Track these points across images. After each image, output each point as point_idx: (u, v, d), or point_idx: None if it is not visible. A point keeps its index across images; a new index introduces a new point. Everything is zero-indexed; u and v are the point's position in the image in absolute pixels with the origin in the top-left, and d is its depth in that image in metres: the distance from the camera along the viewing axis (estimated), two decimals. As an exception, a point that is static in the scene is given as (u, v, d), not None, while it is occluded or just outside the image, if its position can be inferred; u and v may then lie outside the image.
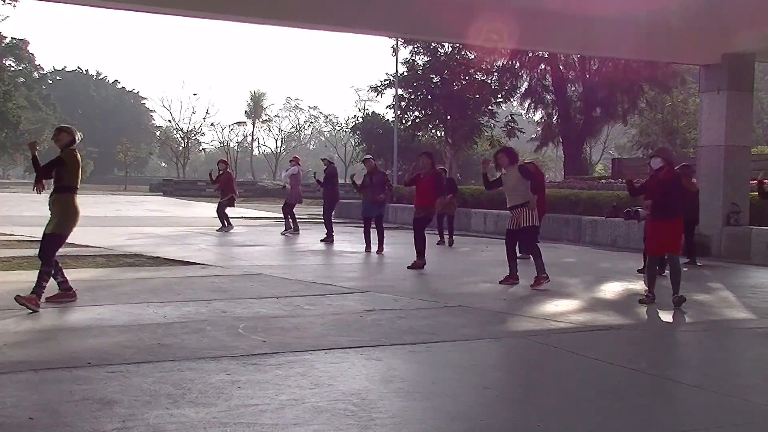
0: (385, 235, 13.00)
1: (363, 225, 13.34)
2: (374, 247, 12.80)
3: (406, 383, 4.73)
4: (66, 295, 6.86)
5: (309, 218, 19.43)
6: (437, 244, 14.43)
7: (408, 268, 10.42)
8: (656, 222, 8.01)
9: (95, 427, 3.67)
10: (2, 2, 52.04)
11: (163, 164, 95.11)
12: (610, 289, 9.30)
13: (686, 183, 13.93)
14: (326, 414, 3.98)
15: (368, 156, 14.31)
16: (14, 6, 57.32)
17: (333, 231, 14.88)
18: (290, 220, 16.50)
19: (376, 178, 13.07)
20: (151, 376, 4.59)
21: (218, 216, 17.09)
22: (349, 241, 14.48)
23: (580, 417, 4.20)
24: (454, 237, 15.04)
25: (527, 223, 9.01)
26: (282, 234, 16.32)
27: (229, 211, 17.49)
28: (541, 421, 4.10)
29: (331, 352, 5.38)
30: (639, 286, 9.65)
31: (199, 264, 10.45)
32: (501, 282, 9.16)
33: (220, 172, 17.51)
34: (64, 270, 6.99)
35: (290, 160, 17.37)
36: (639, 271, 10.63)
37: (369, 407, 4.12)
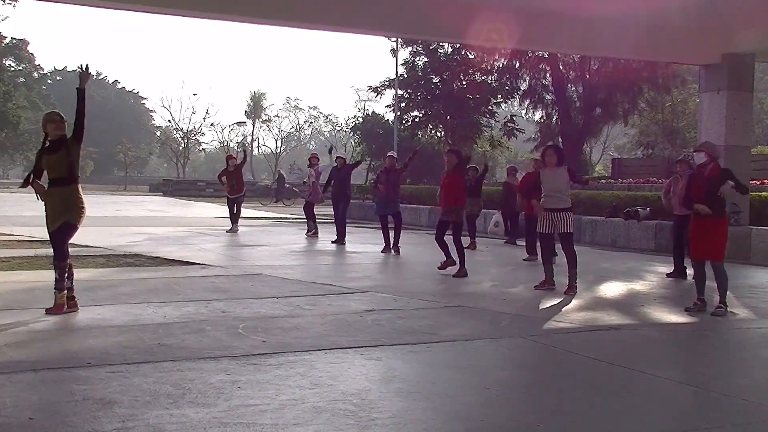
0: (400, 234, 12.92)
1: (380, 224, 13.30)
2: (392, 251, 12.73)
3: (406, 383, 4.73)
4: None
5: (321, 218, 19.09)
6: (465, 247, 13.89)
7: (454, 276, 9.73)
8: (701, 221, 7.50)
9: (95, 427, 3.67)
10: (2, 2, 52.06)
11: (165, 165, 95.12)
12: (610, 289, 9.29)
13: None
14: (326, 414, 3.98)
15: (391, 153, 13.95)
16: (14, 6, 57.37)
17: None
18: (312, 221, 15.88)
19: (393, 176, 12.97)
20: (151, 376, 4.59)
21: (233, 215, 16.65)
22: (350, 242, 14.46)
23: (580, 417, 4.20)
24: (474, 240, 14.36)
25: (567, 229, 8.61)
26: (306, 236, 15.70)
27: (225, 211, 17.22)
28: (541, 421, 4.10)
29: (331, 352, 5.38)
30: (639, 285, 9.67)
31: (199, 264, 10.45)
32: (536, 287, 8.79)
33: (231, 169, 16.72)
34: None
35: (309, 158, 16.46)
36: (668, 275, 10.41)
37: (369, 407, 4.12)
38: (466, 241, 12.10)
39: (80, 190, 6.62)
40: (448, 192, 10.03)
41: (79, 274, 7.30)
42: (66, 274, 6.52)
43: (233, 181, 16.72)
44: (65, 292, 6.53)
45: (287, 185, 39.75)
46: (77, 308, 6.60)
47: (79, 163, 6.61)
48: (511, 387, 4.86)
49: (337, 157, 15.34)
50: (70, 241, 6.65)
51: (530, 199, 10.25)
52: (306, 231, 16.13)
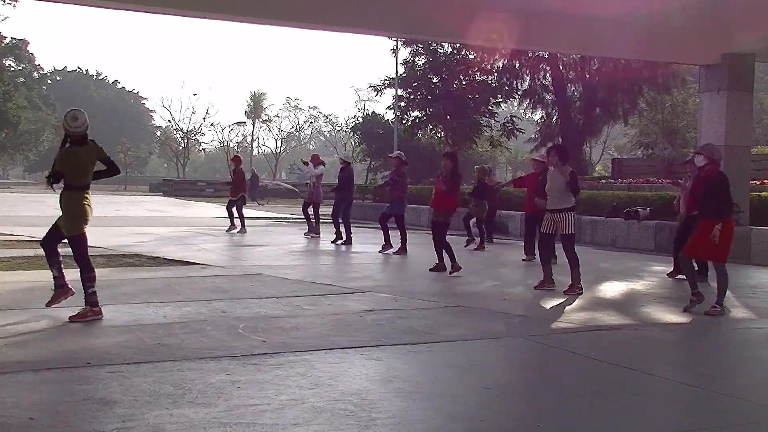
0: (407, 235, 12.81)
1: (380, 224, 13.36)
2: (394, 247, 12.71)
3: (406, 383, 4.73)
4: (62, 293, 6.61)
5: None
6: (464, 246, 13.90)
7: (450, 274, 9.90)
8: (706, 222, 7.49)
9: (95, 427, 3.67)
10: (2, 2, 52.04)
11: (165, 165, 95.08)
12: (610, 289, 9.29)
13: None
14: (326, 414, 3.98)
15: (393, 153, 13.87)
16: (14, 6, 57.31)
17: (351, 232, 14.53)
18: (314, 222, 15.91)
19: (392, 175, 12.98)
20: (151, 376, 4.59)
21: (228, 215, 16.86)
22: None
23: (580, 417, 4.20)
24: (474, 239, 14.37)
25: (567, 230, 8.60)
26: (311, 237, 15.62)
27: (226, 212, 17.40)
28: (541, 421, 4.10)
29: (331, 352, 5.38)
30: (639, 285, 9.66)
31: (199, 264, 10.45)
32: (536, 287, 8.77)
33: (234, 170, 17.18)
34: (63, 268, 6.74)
35: (311, 159, 16.42)
36: (668, 275, 10.37)
37: (369, 407, 4.12)
38: (462, 240, 12.08)
39: (70, 196, 6.37)
40: (439, 195, 10.38)
41: (77, 274, 7.26)
42: (91, 288, 6.31)
43: (233, 183, 16.99)
44: (89, 307, 6.27)
45: (262, 185, 39.92)
46: (72, 292, 6.51)
47: (65, 170, 6.35)
48: (511, 387, 4.86)
49: (341, 159, 15.48)
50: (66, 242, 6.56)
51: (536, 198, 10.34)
52: (310, 231, 16.08)
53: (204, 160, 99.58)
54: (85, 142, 6.51)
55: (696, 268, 10.25)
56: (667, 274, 10.45)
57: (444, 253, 10.21)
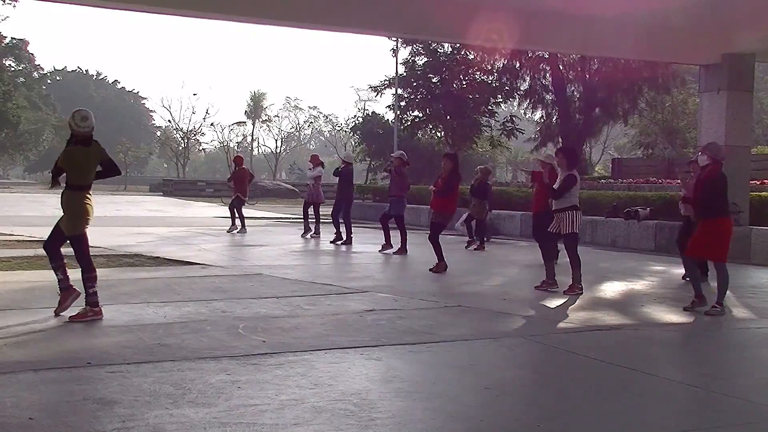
0: (407, 235, 12.75)
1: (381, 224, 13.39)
2: (394, 247, 12.71)
3: (406, 383, 4.73)
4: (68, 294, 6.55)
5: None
6: (465, 247, 14.08)
7: (430, 270, 10.23)
8: (704, 221, 7.54)
9: (95, 427, 3.67)
10: (2, 2, 52.03)
11: (165, 165, 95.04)
12: (610, 289, 9.29)
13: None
14: (326, 414, 3.98)
15: (395, 153, 13.83)
16: (14, 6, 57.31)
17: (352, 232, 14.55)
18: (314, 222, 15.91)
19: (393, 171, 12.99)
20: (151, 376, 4.59)
21: (230, 215, 16.96)
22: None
23: (580, 417, 4.20)
24: (475, 239, 14.41)
25: (567, 229, 8.60)
26: (310, 237, 15.60)
27: (227, 212, 17.42)
28: (541, 421, 4.10)
29: (331, 352, 5.38)
30: (639, 285, 9.66)
31: (199, 264, 10.44)
32: (537, 287, 8.78)
33: (235, 169, 17.30)
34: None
35: (310, 160, 16.51)
36: (684, 277, 10.32)
37: (369, 407, 4.12)
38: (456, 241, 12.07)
39: (71, 196, 6.42)
40: (439, 196, 10.50)
41: (79, 274, 7.27)
42: (92, 288, 6.32)
43: (233, 182, 17.13)
44: (89, 308, 6.27)
45: (261, 184, 40.12)
46: (78, 293, 6.46)
47: (66, 167, 6.43)
48: (511, 387, 4.86)
49: (342, 159, 15.52)
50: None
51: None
52: (306, 231, 16.07)
53: (204, 160, 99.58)
54: (89, 143, 6.52)
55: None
56: (683, 277, 10.24)
57: (433, 250, 10.39)
